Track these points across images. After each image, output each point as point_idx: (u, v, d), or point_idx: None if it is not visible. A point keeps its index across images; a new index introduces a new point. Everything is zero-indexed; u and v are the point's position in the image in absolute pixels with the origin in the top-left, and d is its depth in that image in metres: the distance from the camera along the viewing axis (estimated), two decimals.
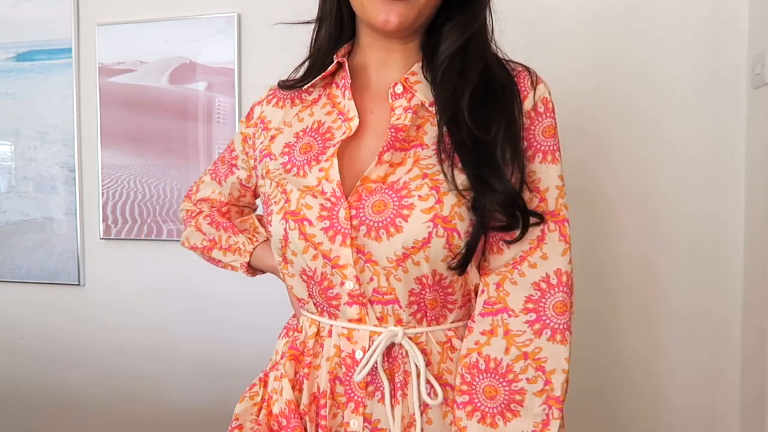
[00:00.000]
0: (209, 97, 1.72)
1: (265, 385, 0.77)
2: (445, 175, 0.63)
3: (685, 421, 1.48)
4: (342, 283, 0.65)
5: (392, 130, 0.65)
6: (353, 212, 0.63)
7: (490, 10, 0.71)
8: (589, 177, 1.50)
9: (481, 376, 0.66)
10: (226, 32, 1.69)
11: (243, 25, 1.69)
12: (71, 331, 1.89)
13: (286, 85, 0.78)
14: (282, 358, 0.74)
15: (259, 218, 0.89)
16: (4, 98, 1.90)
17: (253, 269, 0.86)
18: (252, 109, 0.83)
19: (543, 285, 0.66)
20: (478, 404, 0.66)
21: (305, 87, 0.76)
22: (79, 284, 1.87)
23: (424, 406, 0.67)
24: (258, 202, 0.90)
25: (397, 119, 0.66)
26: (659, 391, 1.49)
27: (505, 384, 0.65)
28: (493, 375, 0.65)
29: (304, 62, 0.79)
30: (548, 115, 0.69)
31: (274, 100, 0.80)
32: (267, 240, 0.84)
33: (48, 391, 1.92)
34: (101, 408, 1.88)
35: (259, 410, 0.75)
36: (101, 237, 1.83)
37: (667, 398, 1.49)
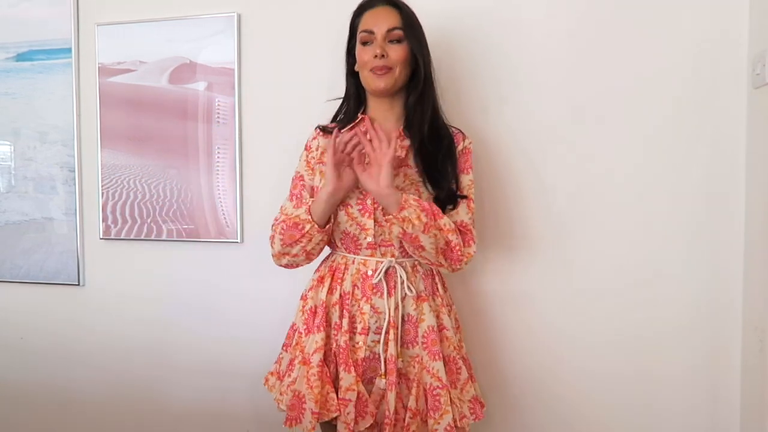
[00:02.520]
0: (209, 97, 1.72)
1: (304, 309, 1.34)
2: (421, 183, 1.27)
3: (685, 421, 1.48)
4: (365, 238, 1.26)
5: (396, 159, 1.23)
6: (375, 199, 1.22)
7: (433, 81, 1.28)
8: (591, 177, 1.50)
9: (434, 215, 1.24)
10: (226, 32, 1.69)
11: (243, 25, 1.69)
12: (71, 331, 1.89)
13: (329, 130, 1.32)
14: (316, 283, 1.32)
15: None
16: (4, 98, 1.91)
17: (318, 215, 1.25)
18: (310, 144, 1.35)
19: (458, 223, 1.28)
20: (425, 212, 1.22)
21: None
22: (78, 284, 1.87)
23: (402, 299, 1.26)
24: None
25: (398, 153, 1.25)
26: (658, 392, 1.50)
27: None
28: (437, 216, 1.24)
29: (338, 116, 1.37)
30: (467, 152, 1.32)
31: (321, 136, 1.34)
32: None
33: (48, 391, 1.93)
34: (101, 408, 1.88)
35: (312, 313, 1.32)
36: (101, 237, 1.83)
37: (666, 399, 1.49)
